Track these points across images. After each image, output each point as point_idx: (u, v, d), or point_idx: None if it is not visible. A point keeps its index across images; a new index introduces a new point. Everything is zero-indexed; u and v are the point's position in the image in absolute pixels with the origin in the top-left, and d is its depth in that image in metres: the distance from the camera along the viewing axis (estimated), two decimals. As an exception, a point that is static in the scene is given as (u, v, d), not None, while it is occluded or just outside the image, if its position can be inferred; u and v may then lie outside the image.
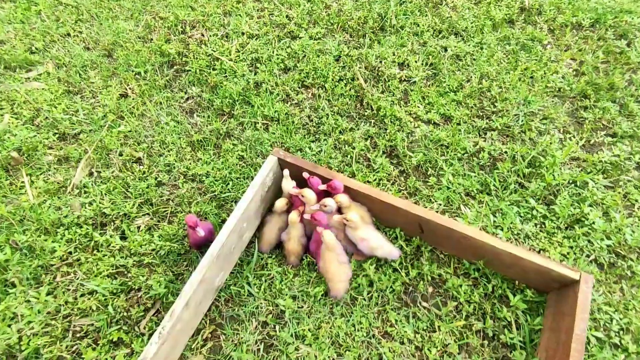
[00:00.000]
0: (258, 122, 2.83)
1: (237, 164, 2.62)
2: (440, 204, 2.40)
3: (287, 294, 2.10)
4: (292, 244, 2.15)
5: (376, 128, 2.79)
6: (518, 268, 1.98)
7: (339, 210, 2.16)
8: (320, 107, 2.91)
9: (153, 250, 2.27)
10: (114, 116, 2.86)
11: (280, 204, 2.21)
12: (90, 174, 2.62)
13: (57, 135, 2.78)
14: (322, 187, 2.14)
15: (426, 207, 2.39)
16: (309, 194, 2.11)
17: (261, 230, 2.26)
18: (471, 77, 3.02)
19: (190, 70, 3.14)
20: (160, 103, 2.96)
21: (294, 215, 2.10)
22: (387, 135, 2.73)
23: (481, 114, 2.83)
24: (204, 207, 2.42)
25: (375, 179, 2.51)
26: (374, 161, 2.61)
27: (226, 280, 2.16)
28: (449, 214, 2.37)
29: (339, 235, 2.19)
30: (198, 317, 2.02)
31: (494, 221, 2.30)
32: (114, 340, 1.97)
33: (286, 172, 2.21)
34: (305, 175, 2.18)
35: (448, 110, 2.83)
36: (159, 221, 2.42)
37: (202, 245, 2.20)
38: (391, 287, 2.11)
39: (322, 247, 2.05)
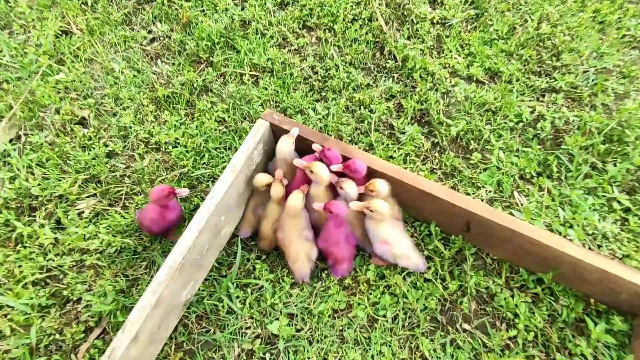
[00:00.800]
0: (245, 74, 2.13)
1: (215, 130, 1.96)
2: (488, 190, 1.79)
3: (281, 312, 1.53)
4: (266, 225, 1.61)
5: (401, 85, 2.12)
6: (605, 286, 1.42)
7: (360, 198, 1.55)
8: (327, 56, 2.20)
9: (99, 247, 1.66)
10: (50, 60, 2.13)
11: (262, 180, 1.59)
12: (17, 139, 1.94)
13: (-27, 84, 2.07)
14: (337, 167, 1.51)
15: (469, 195, 1.78)
16: (321, 171, 1.49)
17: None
18: (526, 19, 2.30)
19: (155, 1, 2.37)
20: (115, 44, 2.23)
21: (295, 200, 1.49)
22: (415, 95, 2.06)
23: (539, 69, 2.16)
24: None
25: (400, 155, 1.88)
26: (399, 129, 1.96)
27: (198, 290, 1.58)
28: (497, 204, 1.78)
29: (355, 231, 1.60)
30: (158, 345, 1.45)
31: (563, 216, 1.71)
32: (36, 379, 1.41)
33: (295, 130, 1.56)
34: (317, 147, 1.54)
35: (495, 63, 2.15)
36: (109, 205, 1.79)
37: (170, 230, 1.61)
38: (423, 304, 1.55)
39: (283, 213, 1.55)
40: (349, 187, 1.50)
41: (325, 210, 1.46)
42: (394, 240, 1.51)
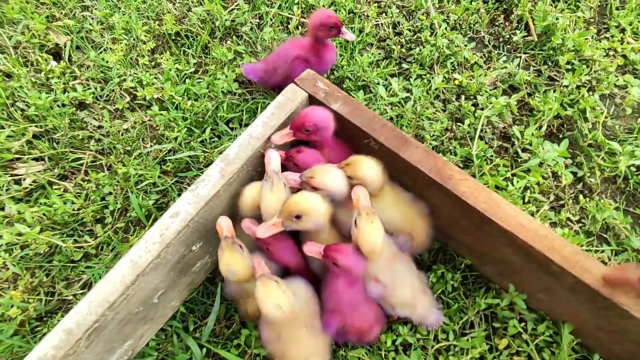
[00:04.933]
0: (293, 18, 1.43)
1: (234, 93, 1.30)
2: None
3: None
4: (250, 304, 0.91)
5: (533, 73, 1.32)
6: None
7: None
8: (420, 11, 1.44)
9: (19, 241, 1.09)
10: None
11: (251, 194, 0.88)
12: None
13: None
14: (282, 138, 0.87)
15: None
16: (332, 179, 0.82)
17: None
18: None
19: None
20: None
21: (273, 305, 0.75)
22: (556, 92, 1.26)
23: None
24: (143, 170, 1.17)
25: (517, 187, 1.10)
26: (521, 144, 1.18)
27: (147, 345, 0.96)
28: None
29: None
30: None
31: None
32: None
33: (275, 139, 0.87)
34: (276, 140, 0.87)
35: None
36: (61, 177, 1.21)
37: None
38: None
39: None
40: (329, 178, 0.81)
41: (327, 259, 0.78)
42: (395, 279, 0.85)
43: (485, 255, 0.91)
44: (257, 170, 0.88)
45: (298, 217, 0.76)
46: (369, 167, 0.81)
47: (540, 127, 1.19)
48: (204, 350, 0.97)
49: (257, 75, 1.21)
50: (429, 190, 0.81)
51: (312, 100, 0.89)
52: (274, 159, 0.81)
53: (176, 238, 0.76)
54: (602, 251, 1.06)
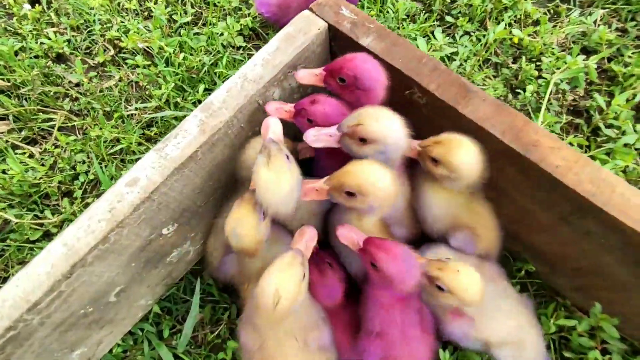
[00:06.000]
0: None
1: (235, 48, 1.07)
2: None
3: None
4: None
5: (614, 32, 1.04)
6: None
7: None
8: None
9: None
10: None
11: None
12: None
13: None
14: (311, 78, 0.61)
15: None
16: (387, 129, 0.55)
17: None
18: None
19: None
20: None
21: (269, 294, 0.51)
22: (648, 54, 0.98)
23: None
24: (121, 134, 0.96)
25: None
26: (600, 120, 0.91)
27: (111, 352, 0.75)
28: None
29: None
30: None
31: None
32: None
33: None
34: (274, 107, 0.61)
35: None
36: (27, 141, 1.01)
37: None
38: None
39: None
40: (384, 125, 0.55)
41: (364, 254, 0.56)
42: (486, 308, 0.61)
43: (564, 262, 0.66)
44: (253, 129, 0.64)
45: (350, 194, 0.53)
46: (468, 153, 0.55)
47: (633, 98, 0.91)
48: (180, 362, 0.75)
49: (269, 9, 0.98)
50: (498, 163, 0.56)
51: (334, 34, 0.64)
52: (273, 124, 0.56)
53: (133, 215, 0.54)
54: None
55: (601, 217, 0.49)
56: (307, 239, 0.57)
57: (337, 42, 0.66)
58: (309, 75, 0.60)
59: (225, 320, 0.79)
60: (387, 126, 0.53)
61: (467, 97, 0.55)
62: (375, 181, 0.52)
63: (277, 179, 0.53)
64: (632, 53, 0.99)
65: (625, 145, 0.87)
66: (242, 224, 0.55)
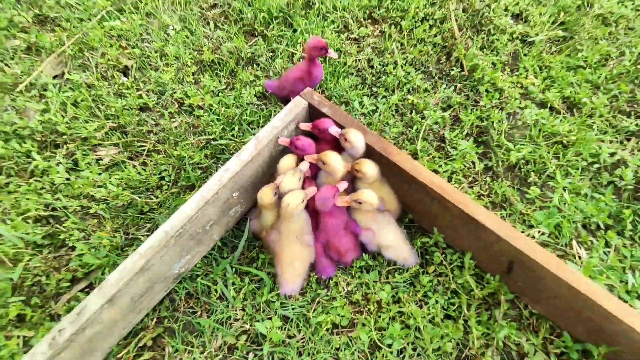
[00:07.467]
0: (296, 53, 2.00)
1: (253, 104, 1.84)
2: (541, 232, 1.52)
3: (276, 312, 1.36)
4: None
5: (463, 96, 1.89)
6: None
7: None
8: (388, 51, 2.02)
9: (107, 197, 1.58)
10: (112, 7, 2.12)
11: (286, 163, 1.41)
12: (61, 76, 1.93)
13: (36, 16, 2.09)
14: (305, 126, 1.44)
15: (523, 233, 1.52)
16: (334, 161, 1.35)
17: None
18: (624, 52, 2.00)
19: (224, -32, 2.32)
20: (176, 4, 2.19)
21: (291, 200, 1.27)
22: (477, 110, 1.83)
23: (630, 109, 1.85)
24: (192, 153, 1.69)
25: (446, 170, 1.65)
26: (450, 143, 1.74)
27: (195, 267, 1.44)
28: (550, 251, 1.50)
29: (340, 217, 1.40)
30: (138, 314, 1.33)
31: (632, 283, 1.41)
32: (10, 317, 1.33)
33: (305, 165, 1.39)
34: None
35: (577, 93, 1.87)
36: (129, 158, 1.72)
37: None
38: (438, 345, 1.32)
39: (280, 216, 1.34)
40: (355, 137, 1.33)
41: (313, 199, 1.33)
42: (380, 227, 1.38)
43: (416, 209, 1.44)
44: (275, 149, 1.41)
45: (323, 163, 1.34)
46: (370, 165, 1.33)
47: (463, 132, 1.75)
48: (233, 269, 1.46)
49: (273, 89, 1.75)
50: (380, 162, 1.34)
51: (311, 107, 1.43)
52: (304, 165, 1.35)
53: (228, 184, 1.27)
54: (498, 212, 1.60)
55: (415, 182, 1.28)
56: (302, 167, 1.33)
57: (312, 109, 1.44)
58: (305, 125, 1.38)
59: (256, 249, 1.51)
60: (359, 138, 1.32)
61: (366, 133, 1.34)
62: (334, 158, 1.30)
63: (291, 183, 1.30)
64: (468, 107, 1.85)
65: (463, 157, 1.69)
66: (264, 193, 1.30)
